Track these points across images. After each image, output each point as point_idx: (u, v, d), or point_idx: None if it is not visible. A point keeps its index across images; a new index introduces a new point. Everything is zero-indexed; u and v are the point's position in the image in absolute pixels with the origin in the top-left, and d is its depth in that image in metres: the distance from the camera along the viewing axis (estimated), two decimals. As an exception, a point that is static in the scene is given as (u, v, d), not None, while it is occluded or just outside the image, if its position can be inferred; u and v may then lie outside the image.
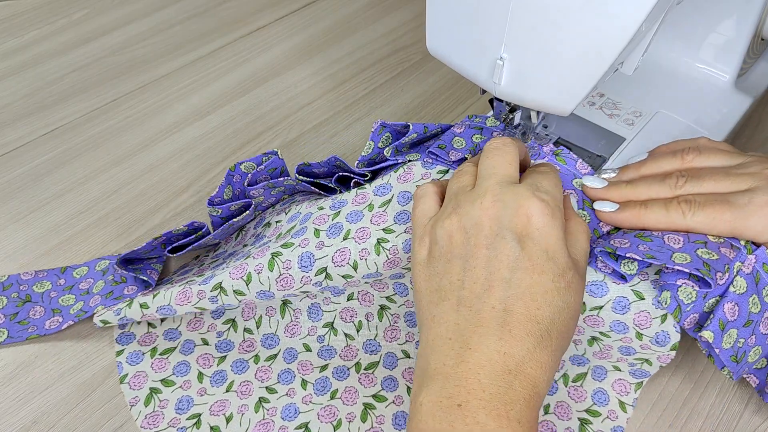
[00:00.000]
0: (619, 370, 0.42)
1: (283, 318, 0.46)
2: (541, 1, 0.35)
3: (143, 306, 0.44)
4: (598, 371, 0.42)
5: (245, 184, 0.47)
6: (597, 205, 0.40)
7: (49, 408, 0.43)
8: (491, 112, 0.47)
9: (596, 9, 0.33)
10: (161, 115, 0.65)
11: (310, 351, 0.45)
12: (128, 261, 0.48)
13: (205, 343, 0.46)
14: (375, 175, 0.47)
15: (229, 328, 0.46)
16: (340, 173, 0.47)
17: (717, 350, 0.36)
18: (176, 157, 0.60)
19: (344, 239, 0.41)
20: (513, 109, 0.44)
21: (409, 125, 0.46)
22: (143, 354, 0.45)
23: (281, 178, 0.47)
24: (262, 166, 0.47)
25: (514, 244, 0.33)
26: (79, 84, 0.69)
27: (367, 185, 0.44)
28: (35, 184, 0.58)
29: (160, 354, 0.46)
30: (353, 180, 0.47)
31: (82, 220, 0.55)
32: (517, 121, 0.45)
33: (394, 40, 0.73)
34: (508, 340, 0.31)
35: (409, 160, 0.45)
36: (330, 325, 0.46)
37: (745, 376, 0.39)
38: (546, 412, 0.42)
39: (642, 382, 0.42)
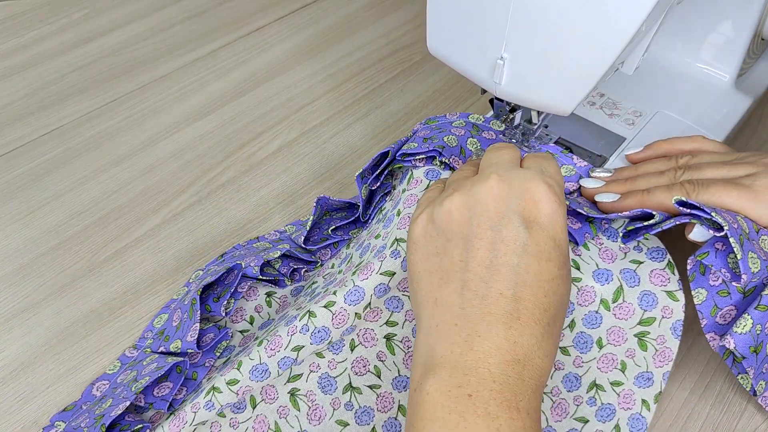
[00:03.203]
0: (642, 262, 0.39)
1: (299, 409, 0.41)
2: (542, 1, 0.35)
3: None
4: (628, 275, 0.39)
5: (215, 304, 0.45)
6: (598, 198, 0.40)
7: (49, 408, 0.43)
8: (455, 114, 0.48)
9: (597, 9, 0.33)
10: (161, 115, 0.65)
11: (348, 424, 0.40)
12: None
13: None
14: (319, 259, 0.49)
15: None
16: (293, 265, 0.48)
17: (732, 343, 0.36)
18: (176, 157, 0.60)
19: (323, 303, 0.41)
20: (513, 109, 0.44)
21: (354, 204, 0.48)
22: None
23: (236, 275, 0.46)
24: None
25: (522, 229, 0.32)
26: (79, 84, 0.69)
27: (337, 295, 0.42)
28: (35, 184, 0.58)
29: None
30: (304, 269, 0.48)
31: (82, 220, 0.55)
32: (517, 120, 0.45)
33: (394, 40, 0.73)
34: (517, 328, 0.30)
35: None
36: (349, 387, 0.41)
37: (761, 402, 0.39)
38: (600, 347, 0.39)
39: (669, 261, 0.39)
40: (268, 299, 0.46)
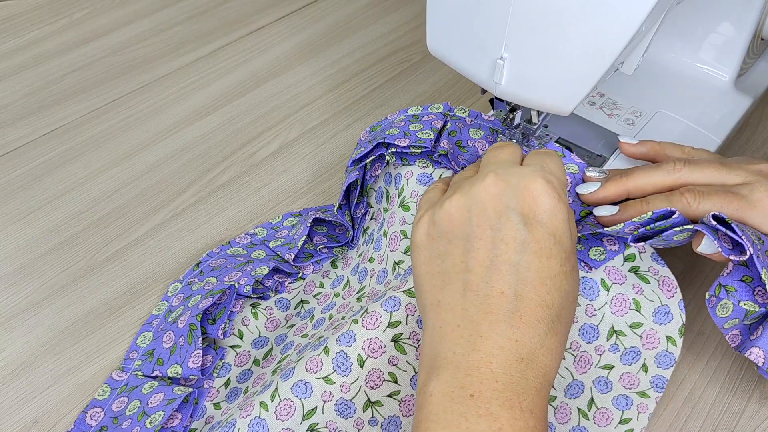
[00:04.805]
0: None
1: None
2: (542, 1, 0.35)
3: None
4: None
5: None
6: (596, 211, 0.40)
7: (50, 407, 0.43)
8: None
9: (596, 9, 0.33)
10: (161, 115, 0.65)
11: None
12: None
13: None
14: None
15: None
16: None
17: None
18: (176, 157, 0.60)
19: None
20: (513, 108, 0.44)
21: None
22: None
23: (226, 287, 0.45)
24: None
25: (521, 226, 0.32)
26: (79, 84, 0.69)
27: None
28: (35, 184, 0.58)
29: None
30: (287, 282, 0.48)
31: (82, 220, 0.55)
32: (517, 120, 0.45)
33: (394, 40, 0.73)
34: (520, 326, 0.31)
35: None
36: (369, 404, 0.39)
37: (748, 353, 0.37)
38: (607, 288, 0.39)
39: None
40: (254, 311, 0.46)
